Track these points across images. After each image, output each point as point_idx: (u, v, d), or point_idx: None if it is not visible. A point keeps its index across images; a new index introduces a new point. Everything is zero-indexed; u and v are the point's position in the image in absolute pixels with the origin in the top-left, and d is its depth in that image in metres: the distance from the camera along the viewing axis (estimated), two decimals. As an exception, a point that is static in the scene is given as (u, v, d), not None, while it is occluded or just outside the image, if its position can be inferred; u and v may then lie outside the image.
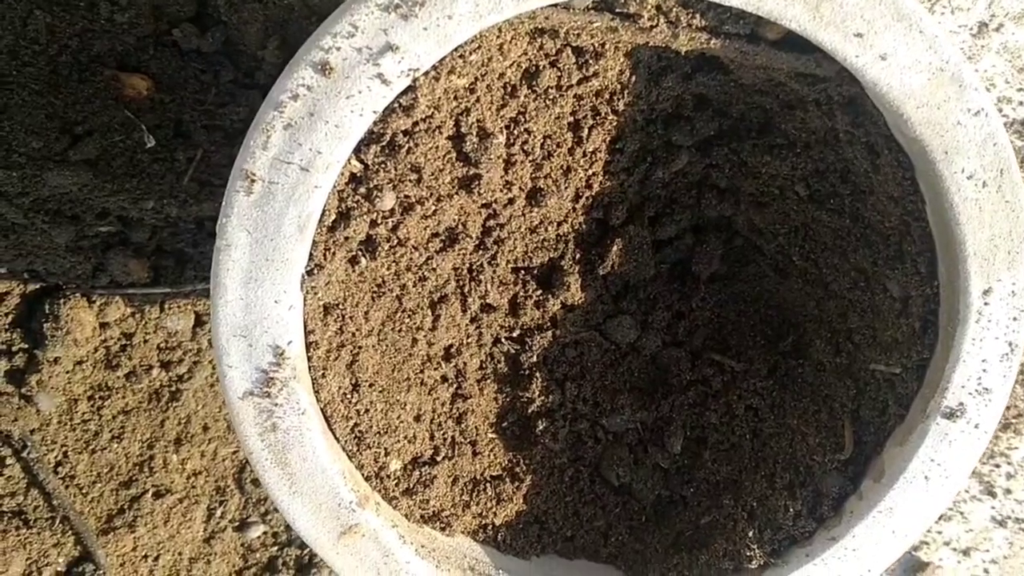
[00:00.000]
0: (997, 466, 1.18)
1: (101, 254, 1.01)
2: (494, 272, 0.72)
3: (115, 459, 1.07)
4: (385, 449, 0.69)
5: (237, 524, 1.12)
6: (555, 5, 0.58)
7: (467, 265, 0.71)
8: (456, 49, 0.57)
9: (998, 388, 0.64)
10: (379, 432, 0.68)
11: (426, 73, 0.57)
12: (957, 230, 0.60)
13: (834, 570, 0.69)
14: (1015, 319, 0.63)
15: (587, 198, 0.71)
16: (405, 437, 0.70)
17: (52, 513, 1.06)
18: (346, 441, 0.67)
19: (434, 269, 0.69)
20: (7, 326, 1.02)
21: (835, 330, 0.72)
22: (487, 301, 0.73)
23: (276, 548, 1.13)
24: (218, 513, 1.11)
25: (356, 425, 0.67)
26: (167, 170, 0.98)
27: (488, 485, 0.74)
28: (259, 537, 1.12)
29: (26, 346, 1.03)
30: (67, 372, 1.04)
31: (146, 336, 1.06)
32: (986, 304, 0.62)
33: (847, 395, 0.71)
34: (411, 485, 0.70)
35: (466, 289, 0.72)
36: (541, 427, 0.76)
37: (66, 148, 0.93)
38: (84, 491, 1.07)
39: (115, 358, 1.05)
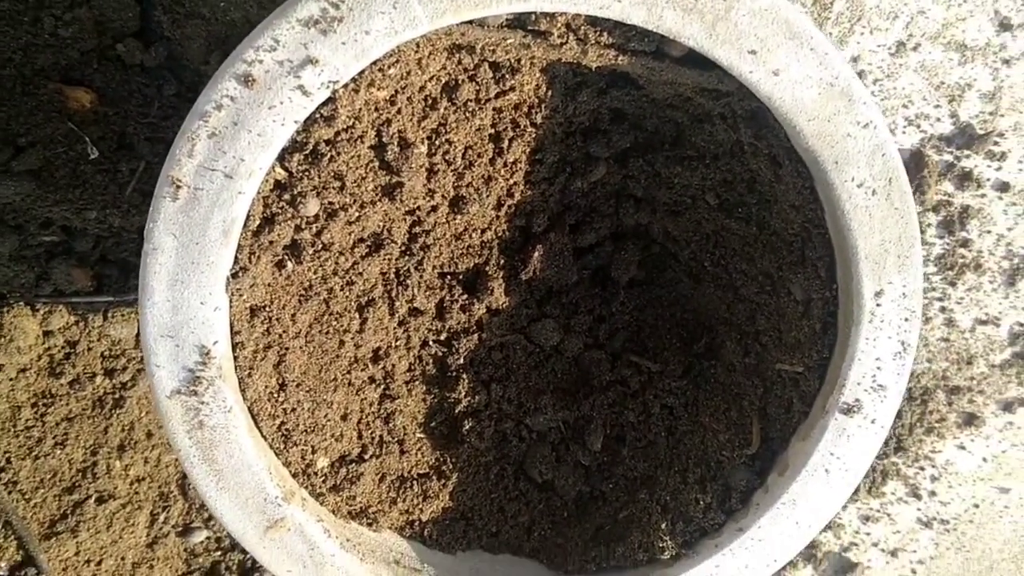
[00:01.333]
0: (922, 468, 1.22)
1: (44, 263, 1.03)
2: (421, 277, 0.75)
3: (58, 465, 1.08)
4: (312, 447, 0.71)
5: (180, 529, 1.13)
6: (470, 22, 0.61)
7: (394, 270, 0.74)
8: (375, 63, 0.60)
9: (892, 385, 0.68)
10: (306, 430, 0.71)
11: (346, 85, 0.60)
12: (849, 236, 0.64)
13: (742, 559, 0.72)
14: (907, 319, 0.67)
15: (509, 206, 0.74)
16: (332, 435, 0.73)
17: (-7, 518, 1.07)
18: (273, 439, 0.69)
19: (361, 273, 0.72)
20: (-50, 333, 1.03)
21: (744, 332, 0.76)
22: (414, 305, 0.76)
23: (219, 553, 1.14)
24: (161, 518, 1.13)
25: (283, 423, 0.69)
26: (110, 181, 1.00)
27: (415, 482, 0.77)
28: (202, 542, 1.13)
29: (-31, 353, 1.04)
30: (10, 379, 1.05)
31: (90, 344, 1.07)
32: (878, 305, 0.66)
33: (755, 393, 0.74)
34: (338, 482, 0.73)
35: (393, 293, 0.75)
36: (467, 427, 0.79)
37: (9, 159, 0.95)
38: (27, 496, 1.08)
39: (59, 366, 1.07)
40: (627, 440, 0.80)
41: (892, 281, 0.65)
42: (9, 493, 1.07)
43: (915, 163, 1.08)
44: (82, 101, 0.97)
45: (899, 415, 1.19)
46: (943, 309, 1.14)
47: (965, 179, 1.09)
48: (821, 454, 0.70)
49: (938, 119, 1.07)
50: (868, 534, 1.28)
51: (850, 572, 1.29)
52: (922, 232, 1.10)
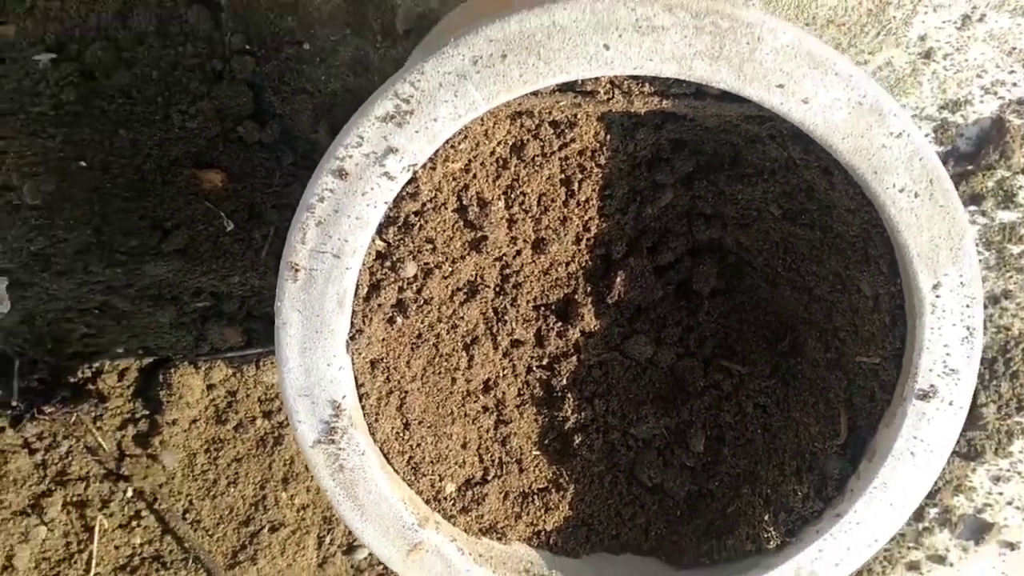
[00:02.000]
0: (1050, 426, 1.23)
1: (200, 326, 1.17)
2: (517, 312, 0.83)
3: (233, 502, 1.22)
4: (439, 475, 0.81)
5: (345, 548, 1.26)
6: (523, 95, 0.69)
7: (491, 309, 0.82)
8: (447, 142, 0.69)
9: (964, 368, 0.72)
10: (432, 461, 0.80)
11: (424, 165, 0.69)
12: (899, 237, 0.69)
13: (843, 542, 0.77)
14: (968, 306, 0.71)
15: (588, 239, 0.82)
16: (456, 463, 0.82)
17: (185, 554, 1.22)
18: (404, 472, 0.79)
19: (462, 317, 0.81)
20: (130, 397, 1.18)
21: (823, 329, 0.81)
22: (515, 337, 0.84)
23: (382, 566, 1.26)
24: (327, 540, 1.25)
25: (411, 458, 0.79)
26: (246, 248, 1.13)
27: (536, 497, 0.86)
28: (365, 558, 1.26)
29: (147, 412, 1.19)
30: (184, 431, 1.20)
31: (248, 391, 1.21)
32: (938, 296, 0.70)
33: (840, 386, 0.79)
34: (466, 504, 0.82)
35: (495, 329, 0.83)
36: (578, 441, 0.86)
37: (159, 242, 1.09)
38: (210, 532, 1.22)
39: (223, 414, 1.20)
40: (727, 439, 0.86)
41: (948, 273, 0.69)
42: (195, 531, 1.22)
43: (997, 130, 1.09)
44: (214, 181, 1.10)
45: (1016, 375, 1.20)
46: (1050, 268, 1.14)
47: (1053, 139, 1.10)
48: (905, 439, 0.74)
49: (1015, 84, 1.08)
50: (1001, 494, 1.29)
51: (986, 532, 1.30)
52: (1014, 195, 1.12)
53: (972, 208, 1.13)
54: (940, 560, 1.32)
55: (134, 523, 1.21)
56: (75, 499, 1.20)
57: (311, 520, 1.25)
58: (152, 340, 1.16)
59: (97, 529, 1.20)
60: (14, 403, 1.14)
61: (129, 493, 1.20)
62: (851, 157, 0.67)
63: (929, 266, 0.69)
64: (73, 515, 1.20)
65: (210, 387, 1.19)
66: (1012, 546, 1.30)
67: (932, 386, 0.73)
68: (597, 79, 0.68)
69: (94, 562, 1.20)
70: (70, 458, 1.19)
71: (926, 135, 1.11)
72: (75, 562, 1.21)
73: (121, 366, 1.17)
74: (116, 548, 1.21)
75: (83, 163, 1.05)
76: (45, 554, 1.20)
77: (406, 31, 1.07)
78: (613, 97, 0.69)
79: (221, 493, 1.22)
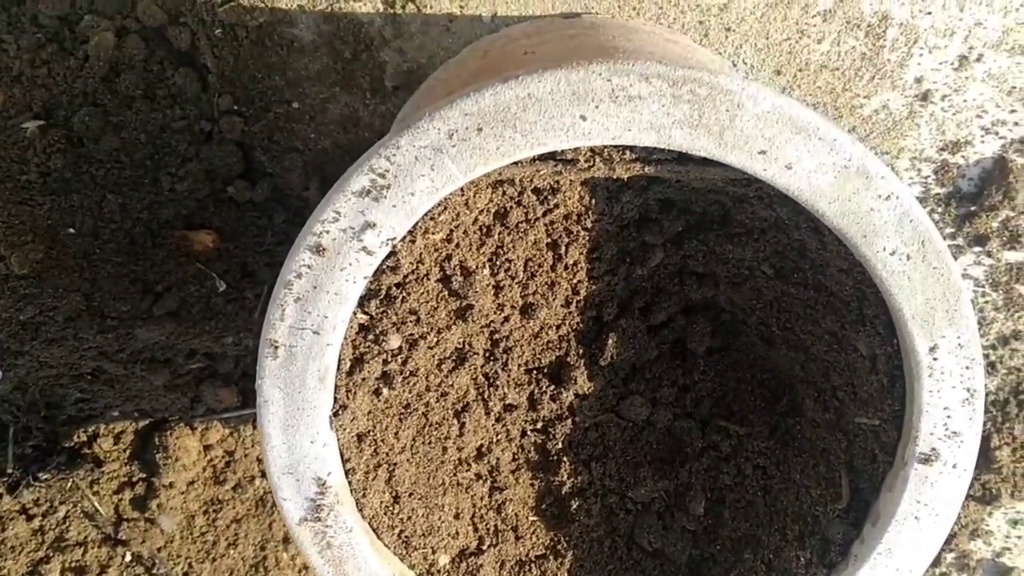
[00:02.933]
0: (1066, 467, 1.20)
1: (195, 387, 1.15)
2: (508, 376, 0.81)
3: (233, 564, 1.21)
4: (432, 547, 0.79)
5: (348, 607, 1.23)
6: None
7: (482, 375, 0.81)
8: (426, 214, 0.68)
9: (966, 430, 0.70)
10: (423, 534, 0.78)
11: (403, 239, 0.68)
12: (891, 300, 0.67)
13: (848, 611, 0.75)
14: (967, 367, 0.68)
15: (578, 302, 0.80)
16: (448, 534, 0.80)
17: (185, 619, 1.21)
18: (395, 546, 0.77)
19: (452, 385, 0.79)
20: (126, 460, 1.17)
21: (821, 389, 0.79)
22: (507, 402, 0.82)
23: (386, 625, 1.24)
24: (330, 599, 1.23)
25: (402, 531, 0.77)
26: (239, 308, 1.12)
27: (533, 565, 0.83)
28: (369, 617, 1.23)
29: (144, 475, 1.18)
30: (182, 493, 1.18)
31: (245, 451, 1.19)
32: (935, 359, 0.68)
33: (840, 447, 0.77)
34: (460, 575, 0.80)
35: (486, 395, 0.81)
36: (575, 506, 0.84)
37: (150, 306, 1.08)
38: (210, 596, 1.21)
39: (221, 474, 1.19)
40: (727, 502, 0.84)
41: (945, 335, 0.67)
42: (195, 595, 1.20)
43: (999, 169, 1.07)
44: (205, 242, 1.09)
45: (1031, 417, 1.17)
46: (1058, 308, 1.12)
47: (1056, 177, 1.08)
48: (908, 503, 0.72)
49: (1016, 123, 1.06)
50: (1020, 537, 1.26)
51: (1007, 577, 1.27)
52: (1019, 235, 1.09)
53: (977, 249, 1.11)
54: (959, 606, 1.28)
55: (133, 588, 1.19)
56: (74, 565, 1.18)
57: (313, 579, 1.23)
58: (147, 403, 1.15)
59: (96, 595, 1.19)
60: (10, 470, 1.13)
61: (128, 557, 1.19)
62: (839, 221, 0.65)
63: (925, 328, 0.67)
64: (72, 581, 1.19)
65: (207, 448, 1.18)
66: (1032, 590, 1.27)
67: (934, 449, 0.70)
68: (577, 148, 0.67)
69: (94, 628, 1.19)
70: (68, 523, 1.18)
71: (926, 177, 1.09)
72: (75, 629, 1.19)
73: (117, 429, 1.16)
74: (116, 614, 1.19)
75: (72, 230, 1.04)
76: (44, 621, 1.19)
77: (395, 87, 1.06)
78: (594, 165, 0.68)
79: (221, 555, 1.20)
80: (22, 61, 0.99)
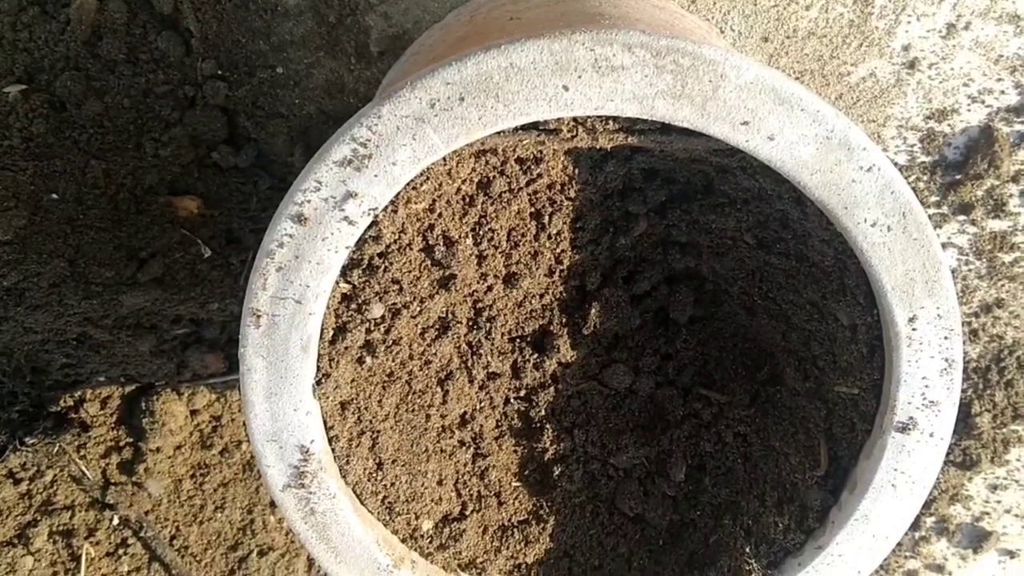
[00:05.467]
0: (1045, 434, 1.21)
1: (181, 353, 1.16)
2: (492, 345, 0.82)
3: (221, 527, 1.22)
4: (415, 513, 0.80)
5: (335, 570, 1.25)
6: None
7: (466, 343, 0.81)
8: (408, 184, 0.67)
9: (944, 399, 0.71)
10: (407, 500, 0.79)
11: (385, 208, 0.68)
12: (872, 271, 0.67)
13: (825, 575, 0.76)
14: (946, 338, 0.69)
15: (561, 271, 0.80)
16: (432, 500, 0.81)
17: (173, 581, 1.22)
18: (379, 512, 0.78)
19: (435, 353, 0.79)
20: (113, 425, 1.18)
21: (802, 358, 0.80)
22: (491, 370, 0.83)
23: (373, 587, 1.25)
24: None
25: (385, 497, 0.78)
26: (225, 274, 1.12)
27: (516, 529, 0.84)
28: (356, 579, 1.25)
29: (131, 440, 1.18)
30: (169, 457, 1.19)
31: (232, 416, 1.20)
32: (914, 330, 0.68)
33: (819, 416, 0.78)
34: (444, 541, 0.81)
35: (469, 363, 0.82)
36: (558, 472, 0.85)
37: (135, 272, 1.08)
38: (198, 558, 1.22)
39: (208, 439, 1.20)
40: (707, 469, 0.85)
41: (924, 306, 0.68)
42: (182, 558, 1.21)
43: (985, 138, 1.07)
44: (190, 208, 1.09)
45: (1010, 384, 1.18)
46: (1040, 276, 1.12)
47: (1041, 146, 1.08)
48: (885, 471, 0.73)
49: (1002, 92, 1.06)
50: (999, 502, 1.28)
51: (985, 540, 1.29)
52: (1003, 203, 1.10)
53: (962, 217, 1.12)
54: (938, 569, 1.30)
55: (121, 551, 1.20)
56: (61, 528, 1.19)
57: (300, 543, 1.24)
58: (133, 368, 1.15)
59: (84, 558, 1.19)
60: (-4, 435, 1.14)
61: (115, 521, 1.20)
62: (821, 192, 0.65)
63: (904, 299, 0.68)
64: (59, 544, 1.19)
65: (194, 413, 1.19)
66: (1012, 554, 1.29)
67: (911, 418, 0.71)
68: (560, 118, 0.67)
69: (82, 591, 1.20)
70: (55, 487, 1.18)
71: (912, 145, 1.09)
72: (63, 591, 1.20)
73: (103, 394, 1.16)
74: (104, 576, 1.21)
75: (55, 195, 1.03)
76: (33, 584, 1.20)
77: (380, 52, 1.05)
78: (577, 135, 0.68)
79: (208, 518, 1.21)
80: (3, 24, 0.98)
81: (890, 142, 1.09)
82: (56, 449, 1.17)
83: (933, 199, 1.11)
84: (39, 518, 1.18)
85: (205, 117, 1.05)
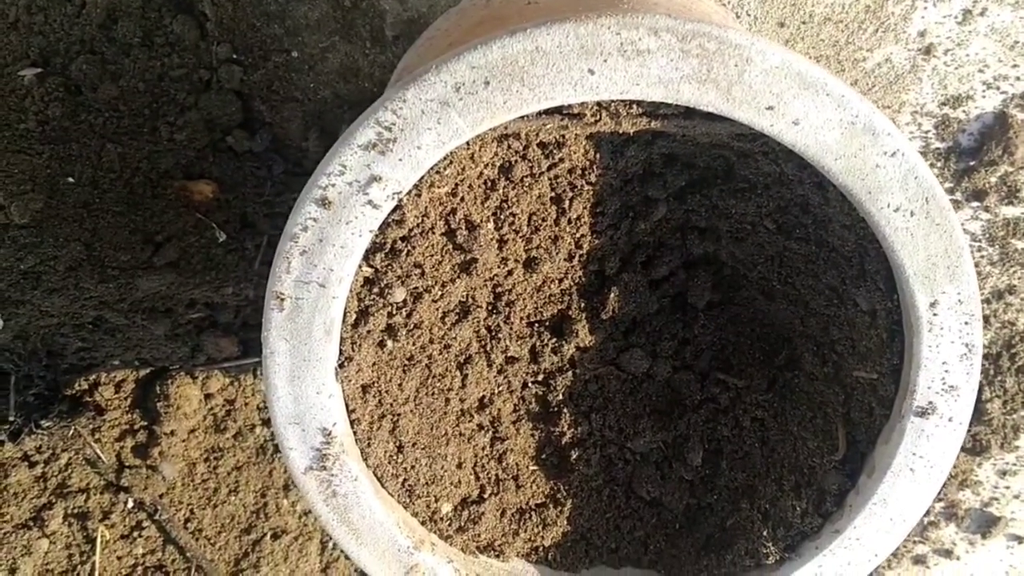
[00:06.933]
0: (1055, 419, 1.21)
1: (196, 337, 1.16)
2: (510, 329, 0.82)
3: (234, 510, 1.22)
4: (435, 496, 0.80)
5: (348, 553, 1.25)
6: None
7: (484, 328, 0.81)
8: (431, 168, 0.68)
9: (963, 384, 0.71)
10: (427, 483, 0.80)
11: (409, 192, 0.68)
12: (894, 256, 0.67)
13: (842, 558, 0.77)
14: (967, 323, 0.69)
15: (580, 256, 0.81)
16: (451, 483, 0.81)
17: (187, 564, 1.22)
18: (399, 495, 0.78)
19: (455, 338, 0.80)
20: (127, 408, 1.18)
21: (820, 343, 0.80)
22: (509, 354, 0.83)
23: (385, 570, 1.26)
24: (330, 545, 1.25)
25: (405, 480, 0.79)
26: (240, 258, 1.12)
27: (534, 512, 0.85)
28: (368, 562, 1.25)
29: (145, 423, 1.19)
30: (183, 441, 1.19)
31: (245, 400, 1.20)
32: (935, 315, 0.69)
33: (837, 400, 0.78)
34: (463, 523, 0.82)
35: (488, 347, 0.82)
36: (575, 456, 0.86)
37: (151, 256, 1.08)
38: (212, 541, 1.22)
39: (222, 423, 1.20)
40: (724, 453, 0.85)
41: (945, 291, 0.68)
42: (196, 540, 1.22)
43: (1000, 124, 1.07)
44: (205, 192, 1.09)
45: (1021, 370, 1.19)
46: (1053, 262, 1.13)
47: (1056, 133, 1.08)
48: (904, 455, 0.73)
49: (1018, 78, 1.06)
50: (1008, 488, 1.28)
51: (993, 526, 1.29)
52: (1017, 190, 1.10)
53: (975, 204, 1.12)
54: (947, 554, 1.31)
55: (135, 534, 1.21)
56: (76, 511, 1.20)
57: (313, 526, 1.24)
58: (148, 352, 1.16)
59: (99, 540, 1.20)
60: (11, 418, 1.14)
61: (130, 504, 1.20)
62: (844, 178, 0.65)
63: (926, 284, 0.68)
64: (75, 527, 1.20)
65: (208, 397, 1.19)
66: (1020, 539, 1.30)
67: (931, 403, 0.71)
68: (583, 103, 0.67)
69: (97, 573, 1.20)
70: (70, 470, 1.19)
71: (927, 131, 1.09)
72: (78, 574, 1.21)
73: (118, 378, 1.17)
74: (119, 559, 1.21)
75: (71, 179, 1.03)
76: (48, 566, 1.20)
77: (395, 37, 1.05)
78: (600, 119, 0.68)
79: (222, 502, 1.22)
80: (19, 7, 0.98)
81: (904, 128, 1.09)
82: (71, 432, 1.17)
83: (947, 185, 1.11)
84: (54, 501, 1.19)
85: (220, 101, 1.05)
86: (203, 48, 1.04)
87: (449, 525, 0.81)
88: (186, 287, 1.11)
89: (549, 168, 0.74)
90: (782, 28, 1.03)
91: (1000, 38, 1.03)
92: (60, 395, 1.16)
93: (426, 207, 0.71)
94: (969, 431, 1.24)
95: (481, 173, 0.73)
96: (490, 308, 0.81)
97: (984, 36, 1.03)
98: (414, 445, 0.79)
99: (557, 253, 0.79)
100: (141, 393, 1.18)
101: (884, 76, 1.05)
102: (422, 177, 0.68)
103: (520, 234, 0.77)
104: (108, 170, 1.04)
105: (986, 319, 1.18)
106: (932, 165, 1.10)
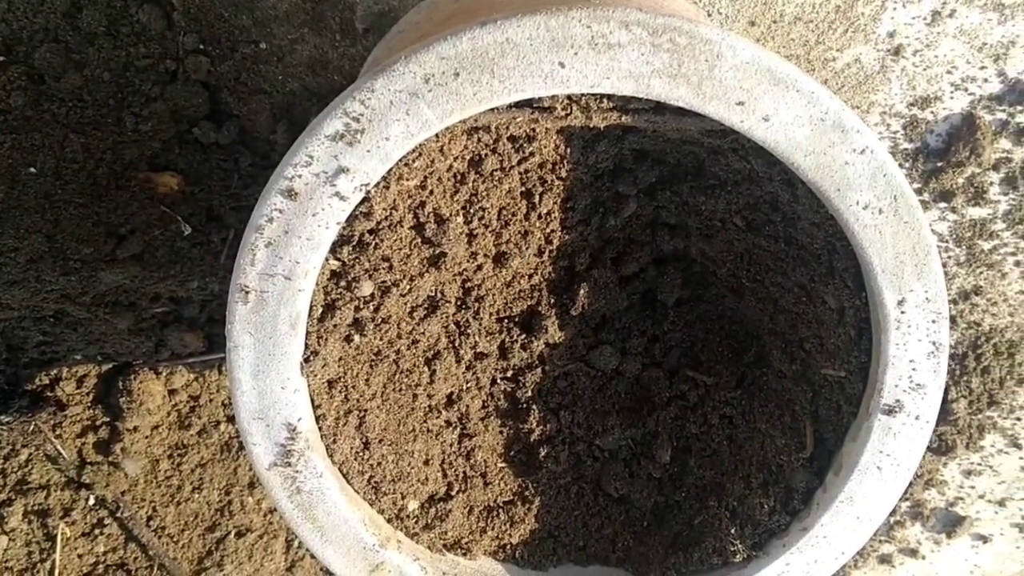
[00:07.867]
0: (1019, 419, 1.23)
1: (160, 332, 1.14)
2: (480, 325, 0.81)
3: (198, 508, 1.21)
4: (401, 493, 0.79)
5: (314, 551, 1.24)
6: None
7: (454, 323, 0.81)
8: (400, 160, 0.67)
9: (931, 382, 0.71)
10: (393, 480, 0.79)
11: (377, 184, 0.67)
12: (862, 253, 0.67)
13: (809, 556, 0.77)
14: (934, 321, 0.69)
15: (550, 252, 0.80)
16: (418, 480, 0.80)
17: (150, 562, 1.21)
18: (365, 492, 0.77)
19: (423, 333, 0.79)
20: (89, 404, 1.16)
21: (788, 340, 0.80)
22: (478, 350, 0.82)
23: (351, 569, 1.25)
24: (296, 543, 1.24)
25: (371, 477, 0.78)
26: (205, 252, 1.10)
27: (501, 510, 0.84)
28: (335, 561, 1.24)
29: (107, 419, 1.17)
30: (146, 437, 1.18)
31: (210, 396, 1.19)
32: (903, 312, 0.69)
33: (805, 398, 0.78)
34: (429, 521, 0.81)
35: (457, 343, 0.81)
36: (543, 453, 0.85)
37: (114, 248, 1.06)
38: (175, 539, 1.21)
39: (186, 419, 1.18)
40: (693, 451, 0.85)
41: (913, 289, 0.68)
42: (159, 538, 1.20)
43: (967, 126, 1.08)
44: (170, 185, 1.07)
45: (987, 371, 1.20)
46: (1018, 263, 1.14)
47: (1022, 134, 1.09)
48: (871, 453, 0.73)
49: (985, 80, 1.06)
50: (973, 487, 1.29)
51: (958, 525, 1.31)
52: (984, 191, 1.11)
53: (942, 205, 1.12)
54: (912, 553, 1.32)
55: (97, 531, 1.19)
56: (36, 508, 1.17)
57: (278, 524, 1.23)
58: (111, 346, 1.14)
59: (59, 538, 1.18)
60: (-30, 413, 1.12)
61: (91, 501, 1.18)
62: (814, 175, 0.65)
63: (894, 282, 0.68)
64: (35, 524, 1.18)
65: (172, 392, 1.17)
66: (984, 539, 1.31)
67: (898, 401, 0.72)
68: (554, 96, 0.66)
69: (57, 571, 1.18)
70: (30, 466, 1.17)
71: (895, 132, 1.09)
72: (38, 571, 1.19)
73: (80, 372, 1.15)
74: (79, 557, 1.19)
75: (33, 169, 1.01)
76: (7, 564, 1.18)
77: (365, 29, 1.04)
78: (571, 113, 0.67)
79: (186, 499, 1.20)
80: (-21, -7, 0.96)
81: (873, 128, 1.09)
82: (31, 428, 1.15)
83: (915, 186, 1.11)
84: (13, 497, 1.17)
85: (187, 92, 1.04)
86: (170, 38, 1.02)
87: (416, 522, 0.80)
88: (150, 281, 1.09)
89: (519, 162, 0.73)
90: (753, 27, 1.03)
91: (968, 40, 1.04)
92: (20, 390, 1.14)
93: (395, 200, 0.70)
94: (935, 431, 1.25)
95: (451, 166, 0.72)
96: (459, 303, 0.80)
97: (953, 38, 1.04)
98: (381, 441, 0.78)
99: (527, 248, 0.78)
100: (104, 388, 1.16)
101: (854, 76, 1.06)
102: (391, 169, 0.67)
103: (490, 228, 0.76)
104: (71, 161, 1.02)
105: (952, 320, 1.19)
106: (901, 165, 1.11)
